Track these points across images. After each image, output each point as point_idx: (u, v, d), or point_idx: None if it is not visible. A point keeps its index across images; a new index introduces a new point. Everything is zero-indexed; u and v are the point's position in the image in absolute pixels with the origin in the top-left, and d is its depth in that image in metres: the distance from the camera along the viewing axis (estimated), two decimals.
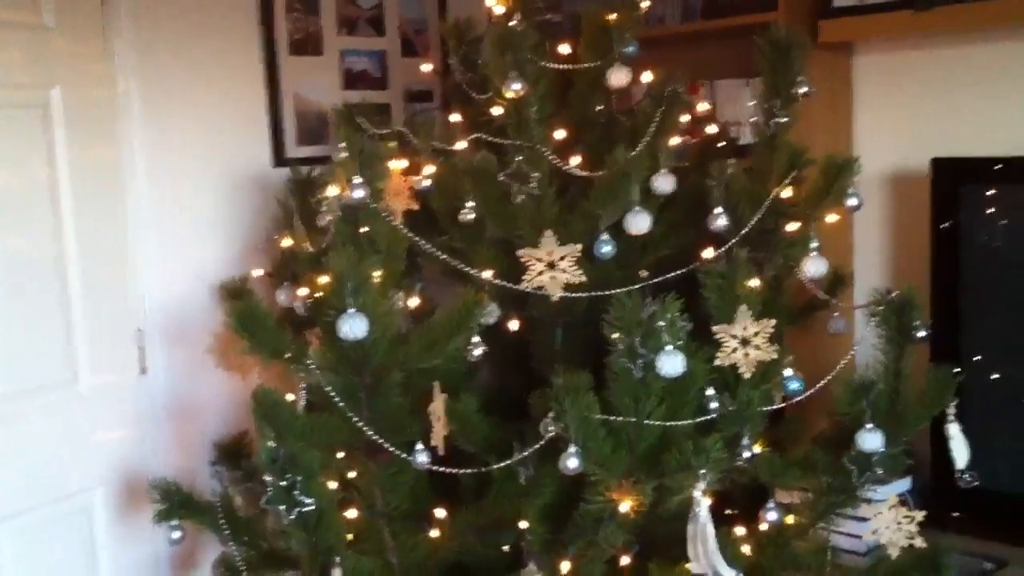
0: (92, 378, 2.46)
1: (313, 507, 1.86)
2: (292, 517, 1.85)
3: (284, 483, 1.84)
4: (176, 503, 2.25)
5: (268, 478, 1.84)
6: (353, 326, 1.90)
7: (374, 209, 2.07)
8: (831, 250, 2.24)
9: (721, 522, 2.02)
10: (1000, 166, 2.49)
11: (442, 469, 2.04)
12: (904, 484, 2.50)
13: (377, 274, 2.01)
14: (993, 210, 2.53)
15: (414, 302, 2.18)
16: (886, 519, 2.10)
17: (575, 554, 2.06)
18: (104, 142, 2.49)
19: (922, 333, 2.06)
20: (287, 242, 2.32)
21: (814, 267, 2.18)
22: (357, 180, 2.00)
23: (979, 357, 2.49)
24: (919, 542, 2.09)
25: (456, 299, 2.05)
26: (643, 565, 2.10)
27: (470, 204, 2.24)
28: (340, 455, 2.15)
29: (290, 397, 2.06)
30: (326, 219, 2.16)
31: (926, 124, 2.82)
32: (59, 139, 2.40)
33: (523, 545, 2.09)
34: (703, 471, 1.91)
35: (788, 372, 2.10)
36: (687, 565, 1.98)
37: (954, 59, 2.76)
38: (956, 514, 2.54)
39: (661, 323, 1.90)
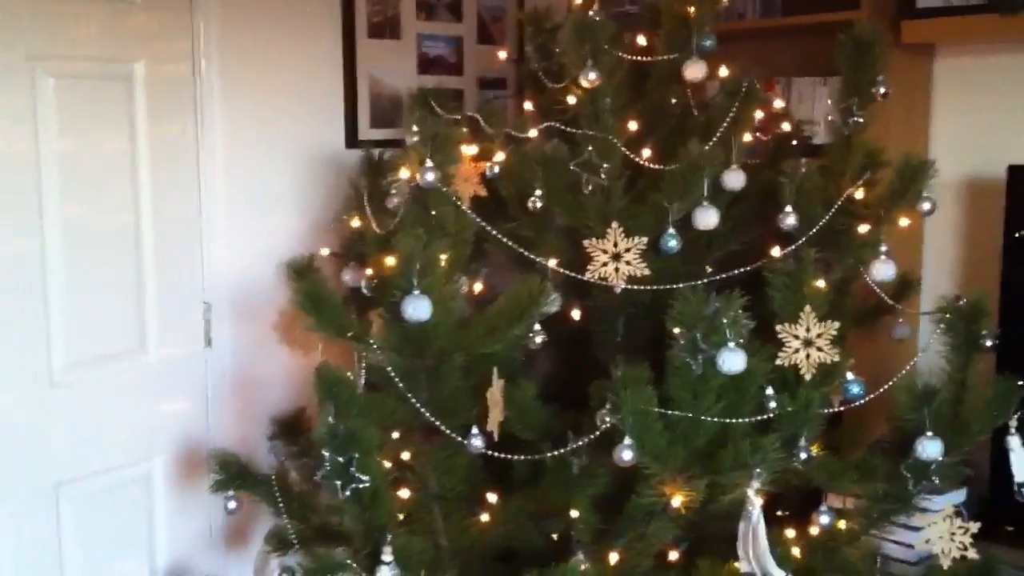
0: (160, 349, 2.52)
1: (368, 484, 1.89)
2: (347, 493, 1.88)
3: (341, 459, 1.87)
4: (233, 474, 2.29)
5: (326, 453, 1.87)
6: (417, 307, 1.92)
7: (443, 193, 2.09)
8: (900, 255, 2.21)
9: (772, 523, 2.02)
10: None
11: (496, 454, 2.05)
12: (960, 495, 2.46)
13: (443, 257, 2.02)
14: None
15: (478, 287, 2.20)
16: (940, 529, 2.08)
17: (624, 546, 2.07)
18: (183, 117, 2.54)
19: (989, 342, 2.03)
20: (356, 223, 2.35)
21: (882, 271, 2.16)
22: (428, 164, 2.02)
23: None
24: (972, 554, 2.06)
25: (520, 286, 2.06)
26: (691, 561, 2.10)
27: (538, 192, 2.25)
28: (396, 435, 2.19)
29: (351, 376, 2.09)
30: (395, 201, 2.18)
31: (1004, 130, 2.76)
32: (140, 112, 2.45)
33: (572, 534, 2.10)
34: (758, 470, 1.91)
35: (849, 376, 2.09)
36: (736, 564, 1.98)
37: None
38: (1011, 528, 2.50)
39: (724, 320, 1.89)
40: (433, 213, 2.10)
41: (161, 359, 2.52)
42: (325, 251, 2.43)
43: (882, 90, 2.18)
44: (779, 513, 2.18)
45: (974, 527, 2.06)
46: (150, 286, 2.49)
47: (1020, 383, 2.06)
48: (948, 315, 2.06)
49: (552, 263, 2.17)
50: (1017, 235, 2.52)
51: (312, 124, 2.77)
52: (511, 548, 2.24)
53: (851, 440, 2.38)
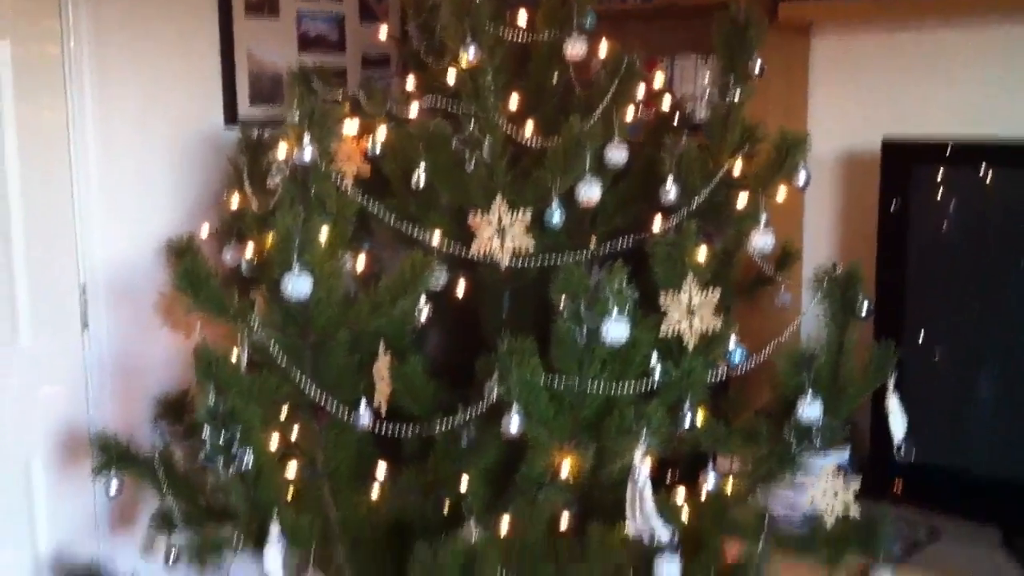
0: (34, 334, 2.44)
1: (251, 463, 1.86)
2: (229, 472, 1.84)
3: (222, 438, 1.83)
4: (115, 456, 2.23)
5: (206, 433, 1.83)
6: (297, 285, 1.90)
7: (323, 171, 2.06)
8: (781, 227, 2.26)
9: (662, 488, 2.05)
10: (949, 149, 2.52)
11: (383, 430, 2.04)
12: (842, 456, 2.53)
13: (324, 235, 2.00)
14: (941, 192, 2.56)
15: (362, 264, 2.18)
16: (823, 487, 2.13)
17: (515, 515, 2.08)
18: (52, 98, 2.46)
19: (864, 311, 2.09)
20: (236, 202, 2.31)
21: (762, 241, 2.21)
22: (306, 141, 1.99)
23: (921, 337, 2.52)
24: (854, 511, 2.12)
25: (404, 262, 2.05)
26: (583, 528, 2.11)
27: (422, 170, 2.23)
28: (283, 414, 2.16)
29: (233, 356, 2.05)
30: (275, 180, 2.15)
31: (879, 106, 2.84)
32: (5, 94, 2.37)
33: (464, 506, 2.10)
34: (644, 436, 1.93)
35: (732, 343, 2.13)
36: (624, 527, 2.00)
37: (909, 43, 2.78)
38: (893, 487, 2.58)
39: (607, 290, 1.91)
40: (313, 191, 2.07)
41: (35, 345, 2.45)
42: (205, 231, 2.38)
43: (758, 68, 2.23)
44: (668, 478, 2.22)
45: (855, 484, 2.12)
46: (20, 271, 2.41)
47: (895, 349, 2.12)
48: (825, 283, 2.11)
49: (436, 239, 2.16)
50: (891, 207, 2.59)
51: (189, 103, 2.71)
52: (402, 522, 2.23)
53: (737, 407, 2.44)
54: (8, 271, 2.39)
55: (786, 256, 2.47)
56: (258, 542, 1.98)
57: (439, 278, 2.19)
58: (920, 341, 2.51)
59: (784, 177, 2.24)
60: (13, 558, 2.46)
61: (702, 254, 2.07)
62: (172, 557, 2.24)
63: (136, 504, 2.54)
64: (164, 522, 2.24)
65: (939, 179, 2.55)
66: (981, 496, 2.50)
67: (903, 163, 2.58)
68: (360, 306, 2.03)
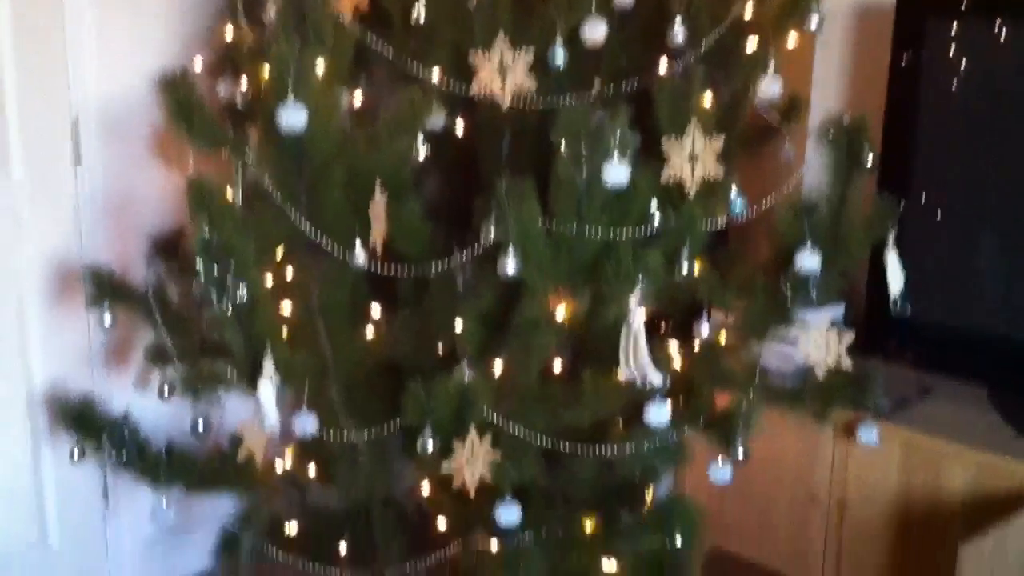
0: (26, 168, 2.40)
1: (245, 296, 1.85)
2: (223, 305, 1.84)
3: (216, 270, 1.82)
4: (108, 289, 2.23)
5: (200, 264, 1.82)
6: (292, 117, 1.85)
7: (321, 2, 1.99)
8: (790, 78, 2.20)
9: (655, 338, 2.05)
10: (965, 3, 2.45)
11: (379, 270, 2.03)
12: (838, 310, 2.54)
13: (320, 67, 1.95)
14: (955, 48, 2.50)
15: (359, 99, 2.13)
16: (817, 340, 2.14)
17: (509, 358, 2.08)
18: None
19: (870, 161, 2.05)
20: (230, 34, 2.24)
21: (769, 87, 2.14)
22: None
23: (925, 194, 2.50)
24: (846, 363, 2.13)
25: (403, 99, 2.01)
26: (576, 372, 2.12)
27: (422, 4, 2.16)
28: (279, 254, 2.15)
29: (227, 191, 2.02)
30: (271, 12, 2.08)
31: None
32: None
33: (458, 349, 2.10)
34: (640, 281, 1.92)
35: (734, 192, 2.11)
36: (617, 372, 2.01)
37: None
38: (887, 344, 2.60)
39: (609, 132, 1.87)
40: (309, 23, 2.00)
41: (27, 179, 2.40)
42: (199, 64, 2.32)
43: None
44: (663, 330, 2.22)
45: (849, 337, 2.12)
46: (11, 104, 2.36)
47: (898, 202, 2.10)
48: (832, 132, 2.06)
49: (436, 76, 2.10)
50: (903, 60, 2.53)
51: None
52: (396, 364, 2.24)
53: (736, 261, 2.42)
54: None
55: (793, 107, 2.42)
56: (252, 379, 1.98)
57: (438, 118, 2.15)
58: (923, 199, 2.49)
59: (796, 22, 2.17)
60: (7, 392, 2.48)
61: (707, 99, 2.02)
62: (166, 391, 2.26)
63: (130, 340, 2.54)
64: (158, 356, 2.25)
65: (953, 34, 2.48)
66: (972, 355, 2.52)
67: (918, 16, 2.51)
68: (357, 143, 1.99)
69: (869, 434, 2.25)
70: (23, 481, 2.52)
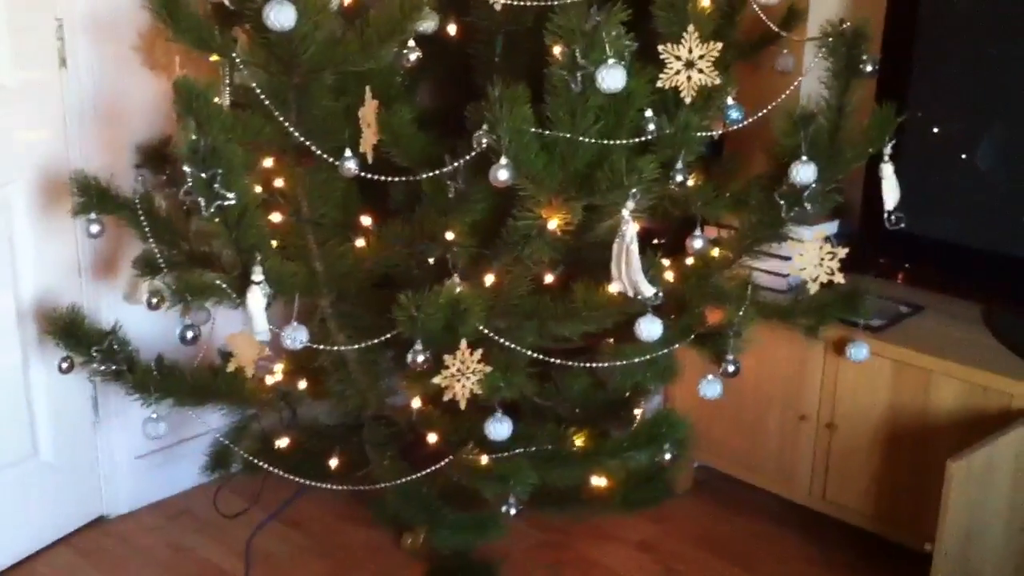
0: (10, 70, 2.33)
1: (234, 202, 1.82)
2: (211, 211, 1.81)
3: (204, 175, 1.79)
4: (95, 197, 2.19)
5: (188, 169, 1.78)
6: (280, 14, 1.80)
7: None
8: None
9: (648, 251, 2.03)
10: None
11: (370, 176, 2.00)
12: (832, 227, 2.52)
13: None
14: None
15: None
16: (810, 255, 2.12)
17: (500, 269, 2.06)
18: None
19: (869, 67, 2.01)
20: None
21: None
22: None
23: (923, 107, 2.46)
24: (839, 279, 2.11)
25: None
26: (567, 284, 2.11)
27: None
28: (268, 162, 2.11)
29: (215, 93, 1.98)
30: None
31: None
32: None
33: (449, 259, 2.08)
34: (634, 191, 1.90)
35: (730, 100, 2.07)
36: (609, 286, 1.99)
37: None
38: (880, 260, 2.58)
39: (605, 35, 1.83)
40: None
41: (11, 81, 2.34)
42: None
43: None
44: (656, 243, 2.20)
45: (842, 252, 2.10)
46: None
47: (897, 112, 2.06)
48: (830, 39, 2.02)
49: None
50: None
51: None
52: (388, 274, 2.22)
53: (731, 173, 2.40)
54: None
55: (792, 15, 2.38)
56: (241, 290, 1.96)
57: (430, 21, 2.10)
58: (921, 113, 2.45)
59: None
60: None
61: (706, 3, 1.97)
62: (155, 301, 2.24)
63: (118, 252, 2.51)
64: (146, 266, 2.22)
65: None
66: (967, 271, 2.51)
67: None
68: (347, 44, 1.94)
69: (859, 351, 2.25)
70: (14, 394, 2.49)
